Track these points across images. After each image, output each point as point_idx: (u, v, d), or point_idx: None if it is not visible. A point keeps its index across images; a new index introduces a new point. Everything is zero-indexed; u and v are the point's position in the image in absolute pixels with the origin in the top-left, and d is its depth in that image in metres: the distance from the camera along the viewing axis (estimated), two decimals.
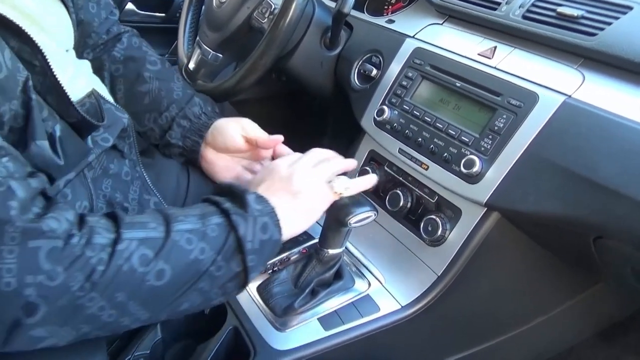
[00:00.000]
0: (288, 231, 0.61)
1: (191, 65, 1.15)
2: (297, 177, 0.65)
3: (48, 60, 0.58)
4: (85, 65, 0.77)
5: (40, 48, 0.57)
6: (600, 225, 0.63)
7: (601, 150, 0.63)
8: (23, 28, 0.56)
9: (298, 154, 0.72)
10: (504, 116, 0.74)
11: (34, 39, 0.57)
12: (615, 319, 1.23)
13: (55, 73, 0.59)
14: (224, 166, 0.89)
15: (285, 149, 0.86)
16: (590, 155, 0.64)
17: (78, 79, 0.69)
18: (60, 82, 0.60)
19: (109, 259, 0.49)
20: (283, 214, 0.60)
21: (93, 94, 0.70)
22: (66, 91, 0.60)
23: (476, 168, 0.75)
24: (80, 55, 0.82)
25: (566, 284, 1.00)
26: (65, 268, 0.46)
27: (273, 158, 0.88)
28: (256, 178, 0.69)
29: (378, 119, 0.92)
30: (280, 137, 0.85)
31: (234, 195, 0.60)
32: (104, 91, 0.79)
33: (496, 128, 0.75)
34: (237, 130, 0.86)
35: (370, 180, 0.75)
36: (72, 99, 0.61)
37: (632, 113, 0.63)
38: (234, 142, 0.86)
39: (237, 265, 0.56)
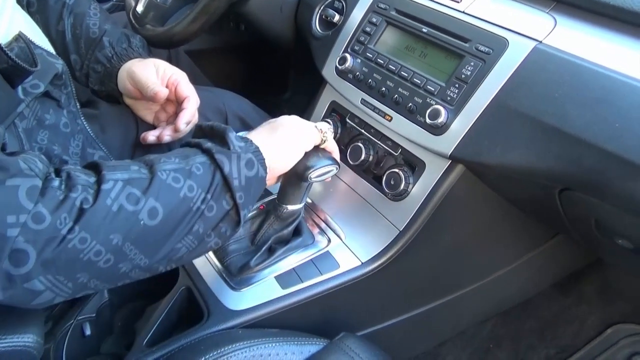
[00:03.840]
0: (273, 167, 0.62)
1: (139, 8, 1.05)
2: (283, 117, 0.68)
3: None
4: (9, 2, 0.68)
5: None
6: (567, 176, 0.61)
7: (571, 99, 0.60)
8: None
9: None
10: (472, 63, 0.71)
11: None
12: (570, 270, 1.26)
13: None
14: (146, 109, 0.86)
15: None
16: (560, 103, 0.61)
17: (1, 18, 0.61)
18: None
19: (94, 198, 0.48)
20: (267, 151, 0.60)
21: (21, 38, 0.62)
22: None
23: (441, 119, 0.71)
24: None
25: (526, 237, 1.01)
26: (51, 211, 0.46)
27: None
28: None
29: (340, 67, 0.87)
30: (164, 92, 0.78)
31: (215, 135, 0.59)
32: (35, 34, 0.71)
33: (463, 76, 0.71)
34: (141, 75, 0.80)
35: None
36: None
37: (604, 59, 0.61)
38: (134, 92, 0.81)
39: (227, 203, 0.56)
